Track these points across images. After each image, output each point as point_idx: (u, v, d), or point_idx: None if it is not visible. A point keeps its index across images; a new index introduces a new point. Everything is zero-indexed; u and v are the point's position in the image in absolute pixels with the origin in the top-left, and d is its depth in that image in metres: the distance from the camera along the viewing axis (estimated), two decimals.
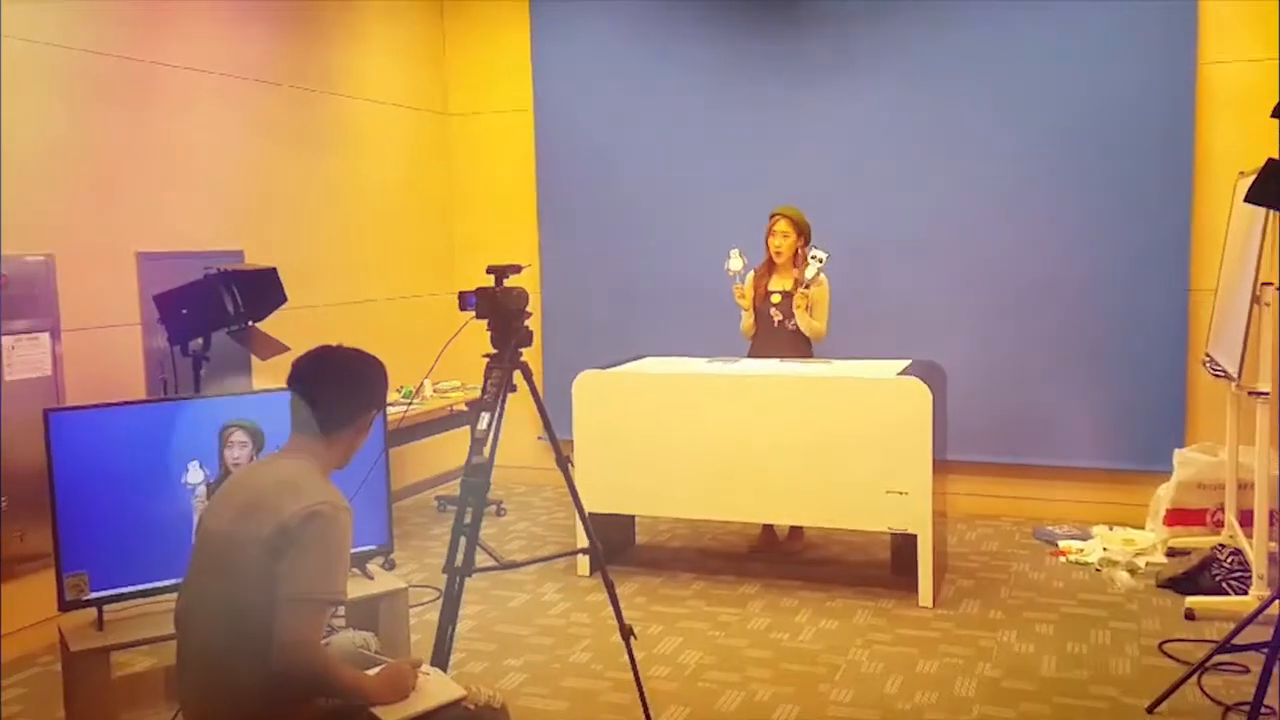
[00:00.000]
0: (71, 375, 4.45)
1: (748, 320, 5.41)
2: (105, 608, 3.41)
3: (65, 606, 3.39)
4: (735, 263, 5.25)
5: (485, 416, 3.19)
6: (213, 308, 4.21)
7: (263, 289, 4.41)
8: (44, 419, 3.36)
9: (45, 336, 4.37)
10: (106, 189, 4.68)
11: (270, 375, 4.57)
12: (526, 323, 3.34)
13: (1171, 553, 5.16)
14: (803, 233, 5.32)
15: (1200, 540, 5.13)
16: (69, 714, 3.40)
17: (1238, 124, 5.45)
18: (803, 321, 5.24)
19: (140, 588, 3.47)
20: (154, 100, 4.90)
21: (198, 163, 5.14)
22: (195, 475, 3.52)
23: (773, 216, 5.34)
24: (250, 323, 4.40)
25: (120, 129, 4.74)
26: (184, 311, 4.19)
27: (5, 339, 4.21)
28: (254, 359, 4.75)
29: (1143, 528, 5.51)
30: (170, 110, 4.99)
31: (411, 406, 5.54)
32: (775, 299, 5.34)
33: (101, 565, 3.40)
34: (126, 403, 3.75)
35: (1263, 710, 3.17)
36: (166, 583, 3.40)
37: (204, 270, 4.30)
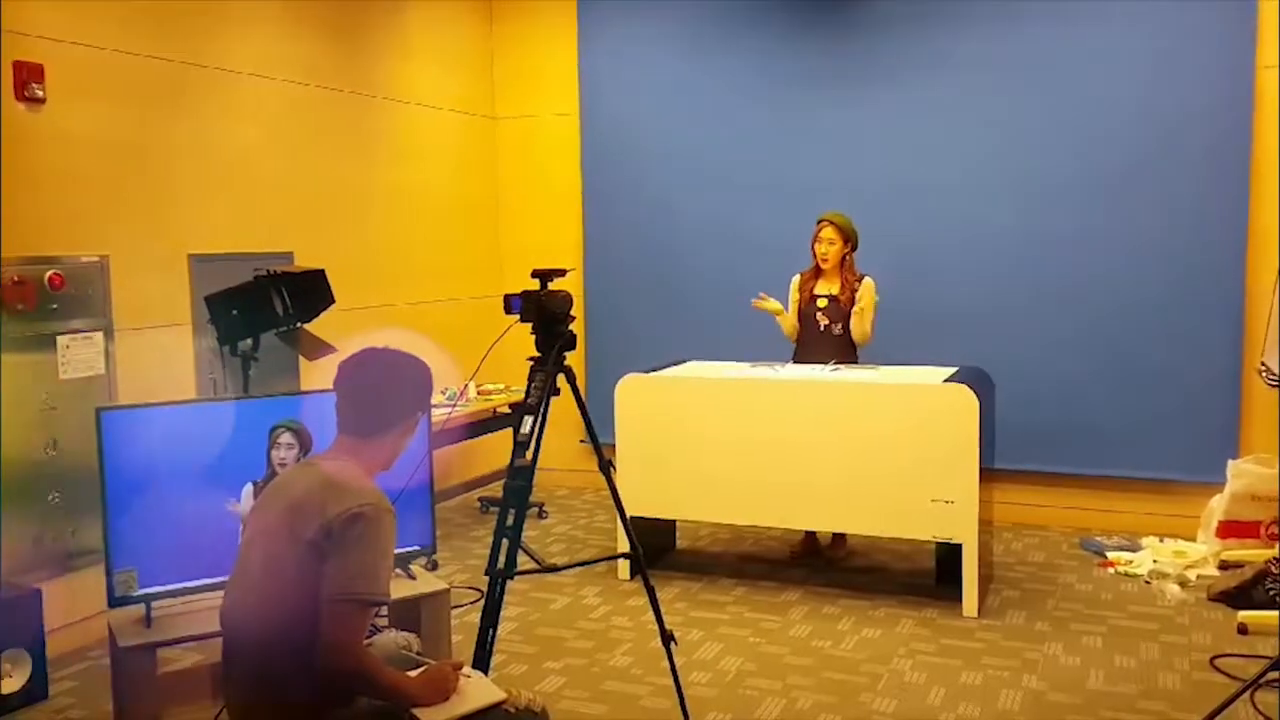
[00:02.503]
0: (124, 374, 4.52)
1: (790, 322, 5.40)
2: (153, 604, 3.46)
3: (114, 602, 3.44)
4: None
5: (528, 419, 3.20)
6: (262, 309, 4.26)
7: (311, 291, 4.45)
8: (96, 417, 3.41)
9: (99, 336, 4.45)
10: (161, 192, 4.76)
11: (318, 376, 4.63)
12: (570, 326, 3.35)
13: (1224, 565, 5.06)
14: (849, 239, 5.30)
15: (1254, 553, 5.02)
16: (117, 708, 3.45)
17: None
18: (854, 322, 5.25)
19: (188, 585, 3.51)
20: (207, 104, 4.98)
21: (249, 166, 5.21)
22: (248, 503, 3.53)
23: (820, 223, 5.32)
24: (299, 324, 4.45)
25: (174, 133, 4.82)
26: (234, 312, 4.25)
27: (61, 338, 4.30)
28: (302, 360, 4.81)
29: (1194, 540, 5.41)
30: (222, 114, 5.07)
31: (455, 408, 5.57)
32: (821, 304, 5.31)
33: (150, 562, 3.45)
34: (177, 402, 3.81)
35: None
36: (213, 580, 3.44)
37: (254, 272, 4.36)
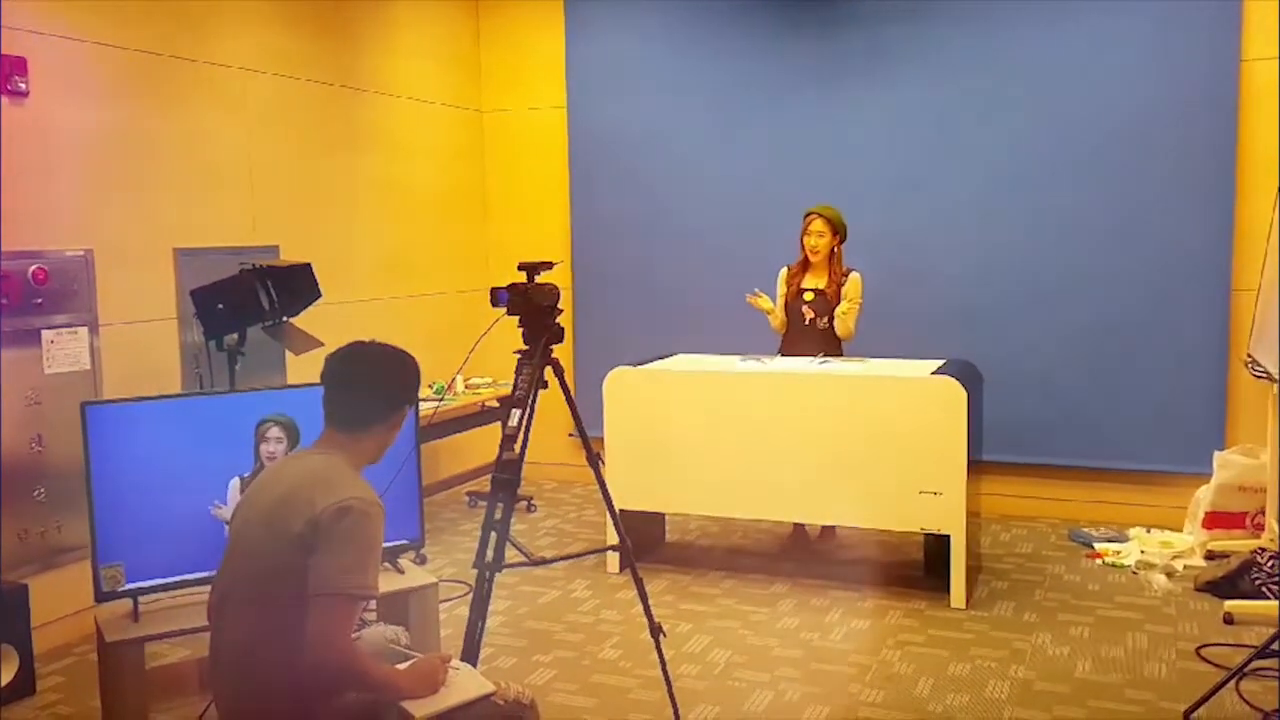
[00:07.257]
0: (109, 369, 4.50)
1: (779, 318, 5.40)
2: (140, 599, 3.45)
3: (101, 597, 3.42)
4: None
5: (516, 413, 3.19)
6: (248, 303, 4.24)
7: (298, 284, 4.44)
8: (81, 412, 3.39)
9: (84, 330, 4.42)
10: (145, 186, 4.73)
11: (305, 370, 4.61)
12: (558, 319, 3.34)
13: (1210, 556, 5.09)
14: (838, 231, 5.29)
15: (1240, 543, 5.05)
16: (104, 703, 3.43)
17: None
18: (838, 320, 5.24)
19: (175, 579, 3.49)
20: (192, 97, 4.95)
21: (234, 159, 5.19)
22: (235, 497, 3.51)
23: (808, 216, 5.32)
24: (285, 318, 4.43)
25: (159, 126, 4.79)
26: (220, 306, 4.23)
27: (45, 333, 4.27)
28: (288, 354, 4.79)
29: (1181, 530, 5.44)
30: (207, 107, 5.04)
31: (443, 402, 5.56)
32: (808, 297, 5.31)
33: (137, 557, 3.43)
34: (162, 396, 3.79)
35: None
36: (201, 575, 3.43)
37: (240, 266, 4.34)
